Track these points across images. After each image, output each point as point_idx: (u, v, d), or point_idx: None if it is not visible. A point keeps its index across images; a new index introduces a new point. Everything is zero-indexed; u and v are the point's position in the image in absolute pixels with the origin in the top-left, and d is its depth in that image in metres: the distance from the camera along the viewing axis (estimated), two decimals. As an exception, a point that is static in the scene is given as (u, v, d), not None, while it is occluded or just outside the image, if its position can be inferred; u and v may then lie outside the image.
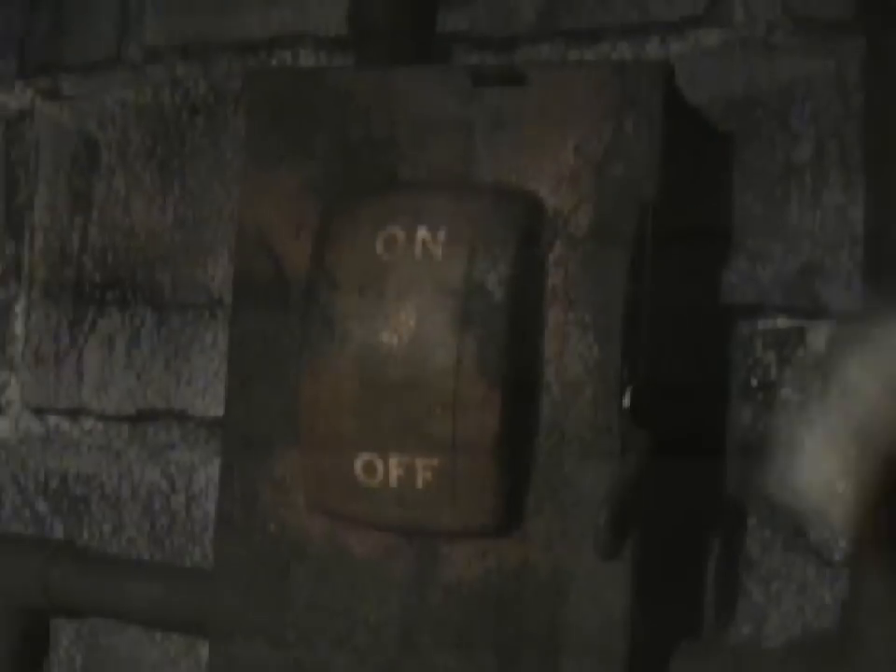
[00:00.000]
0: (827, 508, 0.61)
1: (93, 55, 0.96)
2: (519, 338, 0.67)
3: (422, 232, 0.68)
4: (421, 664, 0.70)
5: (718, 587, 0.74)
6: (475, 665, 0.69)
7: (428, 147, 0.72)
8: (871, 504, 0.61)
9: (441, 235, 0.68)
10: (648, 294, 0.67)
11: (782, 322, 0.74)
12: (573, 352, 0.67)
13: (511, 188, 0.70)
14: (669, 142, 0.67)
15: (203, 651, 0.84)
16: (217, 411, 0.86)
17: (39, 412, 0.96)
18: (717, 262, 0.75)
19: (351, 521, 0.71)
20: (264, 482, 0.74)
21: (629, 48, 0.79)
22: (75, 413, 0.94)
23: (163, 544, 0.90)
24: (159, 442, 0.91)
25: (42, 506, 0.95)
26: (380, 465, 0.68)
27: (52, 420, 0.96)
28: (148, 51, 0.94)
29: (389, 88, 0.74)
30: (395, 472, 0.67)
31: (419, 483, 0.67)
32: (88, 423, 0.94)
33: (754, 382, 0.73)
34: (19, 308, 0.97)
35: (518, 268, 0.67)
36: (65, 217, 0.96)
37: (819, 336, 0.73)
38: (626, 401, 0.65)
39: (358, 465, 0.68)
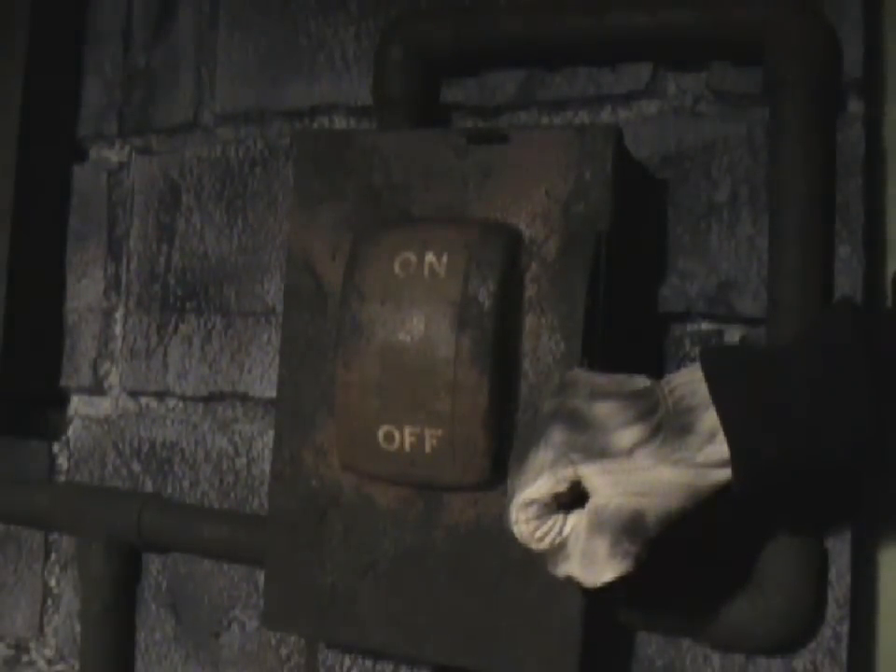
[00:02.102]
0: None
1: (176, 120, 0.96)
2: (503, 337, 0.67)
3: (429, 257, 0.68)
4: (428, 586, 0.70)
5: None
6: (470, 586, 0.69)
7: (434, 190, 0.72)
8: None
9: (444, 259, 0.68)
10: (603, 303, 0.67)
11: (705, 325, 0.74)
12: (544, 348, 0.67)
13: (497, 222, 0.69)
14: (619, 187, 0.68)
15: (260, 577, 0.85)
16: (272, 393, 0.86)
17: (134, 394, 0.96)
18: (655, 279, 0.75)
19: (374, 477, 0.71)
20: (307, 447, 0.74)
21: (588, 114, 0.79)
22: (161, 395, 0.94)
23: (229, 496, 0.89)
24: (226, 417, 0.91)
25: (136, 466, 0.94)
26: (397, 434, 0.68)
27: (144, 400, 0.96)
28: (218, 117, 0.94)
29: (404, 145, 0.74)
30: (408, 440, 0.67)
31: (427, 449, 0.67)
32: (171, 402, 0.94)
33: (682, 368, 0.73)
34: (118, 315, 0.97)
35: (502, 284, 0.67)
36: (154, 245, 0.95)
37: (733, 336, 0.73)
38: None
39: (380, 434, 0.68)
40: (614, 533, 0.56)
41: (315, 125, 0.89)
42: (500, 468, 0.67)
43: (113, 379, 0.97)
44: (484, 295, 0.66)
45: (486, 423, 0.66)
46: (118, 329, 0.97)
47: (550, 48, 0.77)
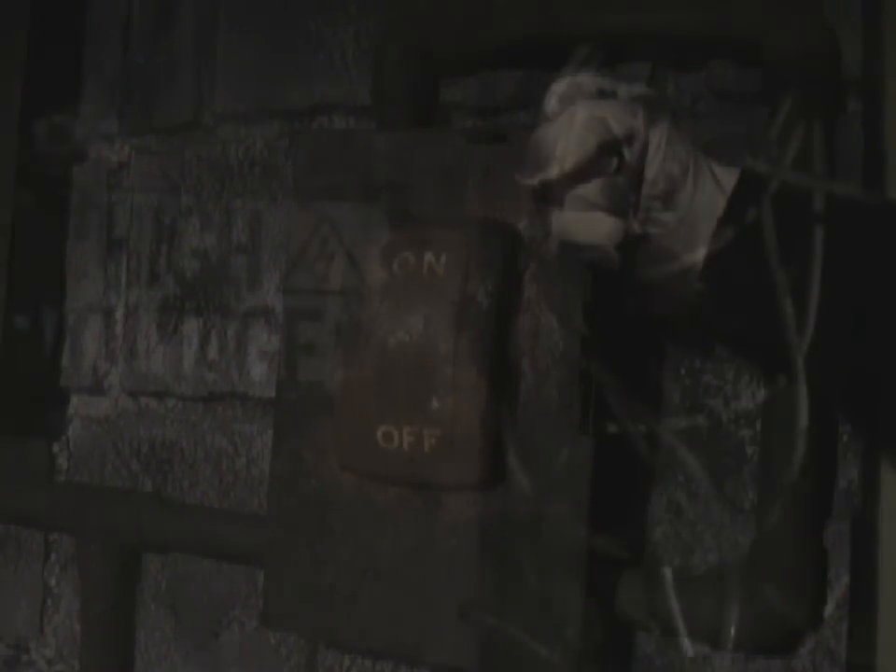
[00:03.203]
0: None
1: (176, 120, 0.96)
2: (502, 337, 0.67)
3: (428, 256, 0.68)
4: (428, 584, 0.71)
5: (653, 529, 0.74)
6: (470, 584, 0.69)
7: (433, 190, 0.72)
8: None
9: (443, 259, 0.68)
10: (602, 303, 0.68)
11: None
12: (543, 347, 0.68)
13: (496, 222, 0.70)
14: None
15: (260, 577, 0.85)
16: (271, 393, 0.86)
17: (133, 394, 0.97)
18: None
19: (373, 477, 0.72)
20: (307, 447, 0.74)
21: (587, 114, 0.79)
22: (161, 395, 0.95)
23: (229, 496, 0.90)
24: (226, 417, 0.91)
25: (135, 466, 0.95)
26: (396, 434, 0.68)
27: (143, 400, 0.96)
28: (218, 117, 0.94)
29: (403, 145, 0.74)
30: (407, 439, 0.68)
31: (426, 448, 0.67)
32: (171, 402, 0.94)
33: (682, 370, 0.74)
34: (118, 315, 0.98)
35: (501, 284, 0.67)
36: (154, 246, 0.96)
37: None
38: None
39: (379, 434, 0.68)
40: None
41: (315, 125, 0.89)
42: (499, 467, 0.67)
43: (113, 379, 0.97)
44: (483, 295, 0.67)
45: (485, 422, 0.66)
46: (118, 329, 0.97)
47: (549, 47, 0.77)
